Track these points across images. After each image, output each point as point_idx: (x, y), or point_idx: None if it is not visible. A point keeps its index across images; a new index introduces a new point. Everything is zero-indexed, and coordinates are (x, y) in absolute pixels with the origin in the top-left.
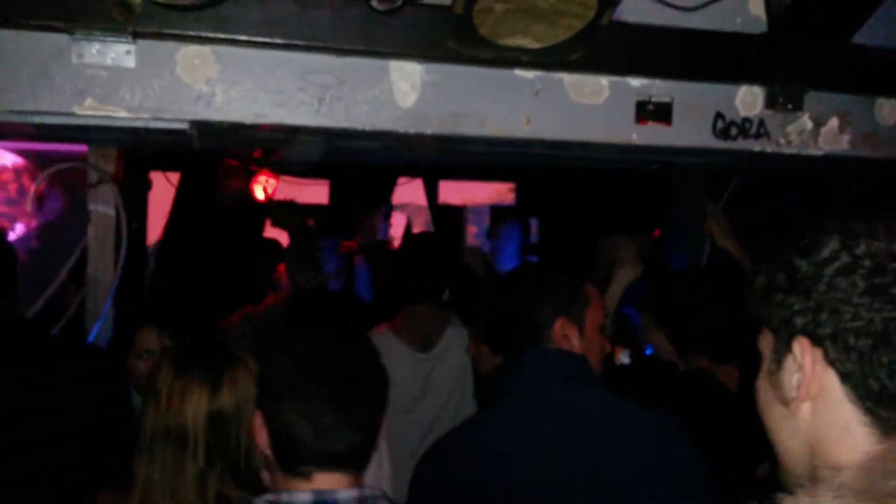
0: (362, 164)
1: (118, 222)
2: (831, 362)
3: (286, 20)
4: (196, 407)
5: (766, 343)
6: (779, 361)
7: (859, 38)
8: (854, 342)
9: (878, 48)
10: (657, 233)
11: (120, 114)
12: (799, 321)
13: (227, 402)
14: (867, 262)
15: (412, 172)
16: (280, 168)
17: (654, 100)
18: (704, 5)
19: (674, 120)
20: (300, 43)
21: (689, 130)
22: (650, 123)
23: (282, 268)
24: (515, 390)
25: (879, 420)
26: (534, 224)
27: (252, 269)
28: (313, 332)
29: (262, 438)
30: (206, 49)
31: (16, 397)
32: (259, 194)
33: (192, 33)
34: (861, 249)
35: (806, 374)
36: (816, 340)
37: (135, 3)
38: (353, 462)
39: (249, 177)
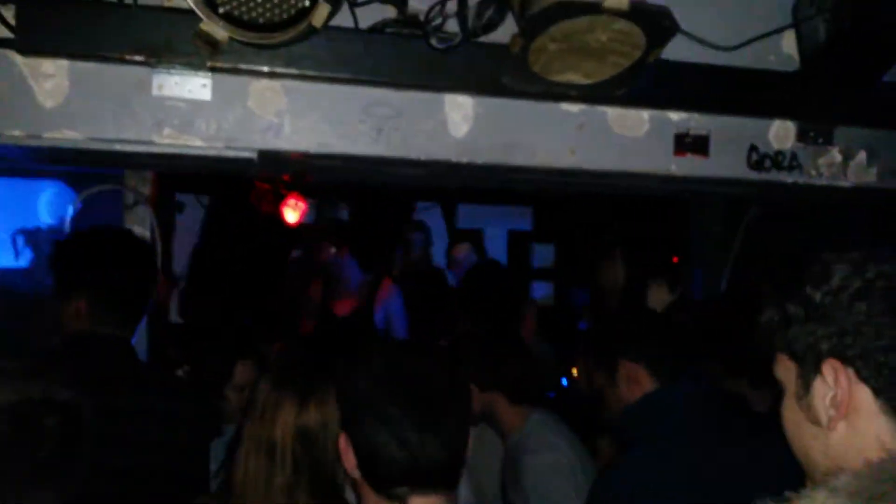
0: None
1: (153, 243)
2: (864, 379)
3: (351, 57)
4: (285, 421)
5: (785, 370)
6: (807, 386)
7: (887, 76)
8: (884, 359)
9: None
10: (675, 259)
11: (195, 143)
12: (825, 346)
13: (314, 418)
14: (880, 284)
15: (430, 196)
16: (304, 190)
17: (692, 133)
18: (741, 45)
19: (711, 152)
20: (363, 78)
21: (725, 162)
22: (688, 155)
23: (315, 288)
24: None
25: None
26: (550, 249)
27: (284, 292)
28: (391, 349)
29: (350, 460)
30: (276, 83)
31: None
32: (289, 217)
33: (265, 69)
34: (871, 273)
35: (842, 393)
36: (847, 361)
37: (221, 40)
38: (445, 481)
39: (279, 200)
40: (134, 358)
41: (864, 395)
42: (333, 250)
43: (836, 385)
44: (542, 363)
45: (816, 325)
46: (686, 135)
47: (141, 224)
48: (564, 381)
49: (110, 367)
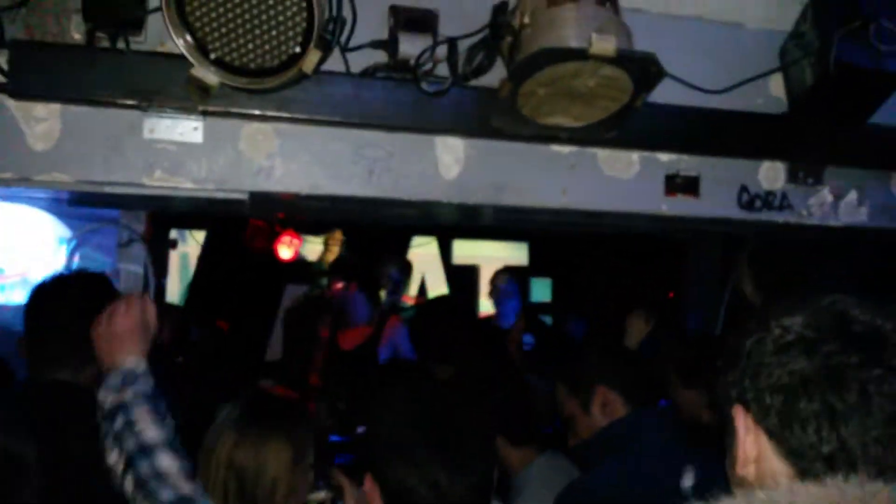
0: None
1: (146, 280)
2: (758, 423)
3: (342, 100)
4: (219, 454)
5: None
6: (730, 434)
7: (875, 117)
8: (770, 400)
9: (894, 127)
10: (671, 294)
11: (186, 185)
12: (733, 391)
13: (249, 457)
14: (776, 331)
15: (426, 232)
16: (299, 226)
17: (682, 173)
18: (729, 88)
19: (701, 192)
20: (354, 120)
21: (716, 202)
22: (679, 196)
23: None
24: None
25: (800, 472)
26: (547, 283)
27: (292, 328)
28: (416, 389)
29: (376, 501)
30: (268, 126)
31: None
32: (283, 254)
33: (256, 112)
34: (774, 323)
35: (740, 439)
36: (745, 405)
37: (212, 86)
38: None
39: (274, 237)
40: (89, 405)
41: (762, 440)
42: (342, 285)
43: (741, 429)
44: (538, 399)
45: (730, 371)
46: (676, 175)
47: (135, 261)
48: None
49: (61, 415)
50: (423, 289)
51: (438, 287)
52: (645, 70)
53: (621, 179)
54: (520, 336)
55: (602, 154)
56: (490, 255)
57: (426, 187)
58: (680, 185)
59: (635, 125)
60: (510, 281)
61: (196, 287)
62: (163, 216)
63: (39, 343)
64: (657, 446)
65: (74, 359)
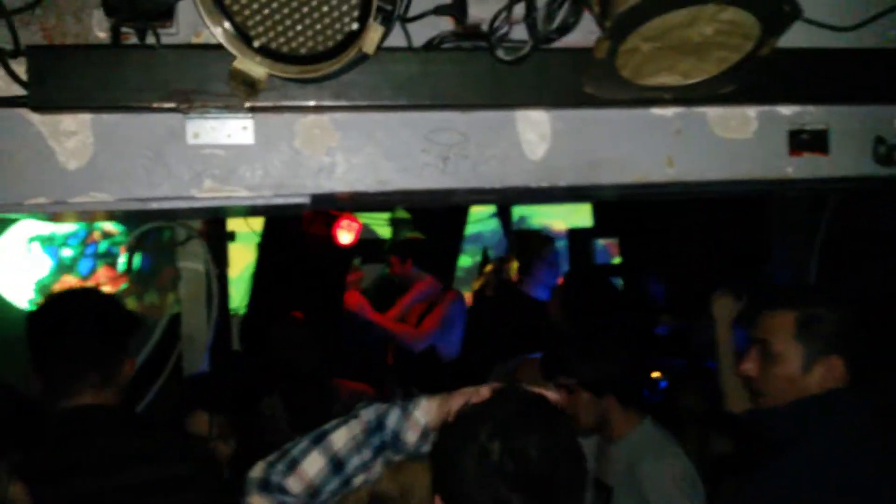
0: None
1: (208, 277)
2: None
3: (407, 80)
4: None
5: None
6: None
7: None
8: None
9: None
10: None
11: (240, 193)
12: None
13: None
14: None
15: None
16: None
17: (808, 128)
18: (860, 24)
19: (831, 148)
20: (423, 102)
21: (847, 158)
22: (805, 154)
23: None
24: None
25: None
26: (610, 245)
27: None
28: (498, 415)
29: None
30: (324, 118)
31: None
32: (343, 239)
33: (311, 103)
34: None
35: None
36: None
37: (259, 80)
38: None
39: (332, 222)
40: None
41: None
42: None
43: None
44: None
45: None
46: (802, 130)
47: (195, 258)
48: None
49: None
50: (485, 258)
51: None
52: (777, 9)
53: (737, 141)
54: (557, 311)
55: (713, 113)
56: (552, 218)
57: (509, 171)
58: (806, 141)
59: (750, 76)
60: (555, 252)
61: (259, 279)
62: None
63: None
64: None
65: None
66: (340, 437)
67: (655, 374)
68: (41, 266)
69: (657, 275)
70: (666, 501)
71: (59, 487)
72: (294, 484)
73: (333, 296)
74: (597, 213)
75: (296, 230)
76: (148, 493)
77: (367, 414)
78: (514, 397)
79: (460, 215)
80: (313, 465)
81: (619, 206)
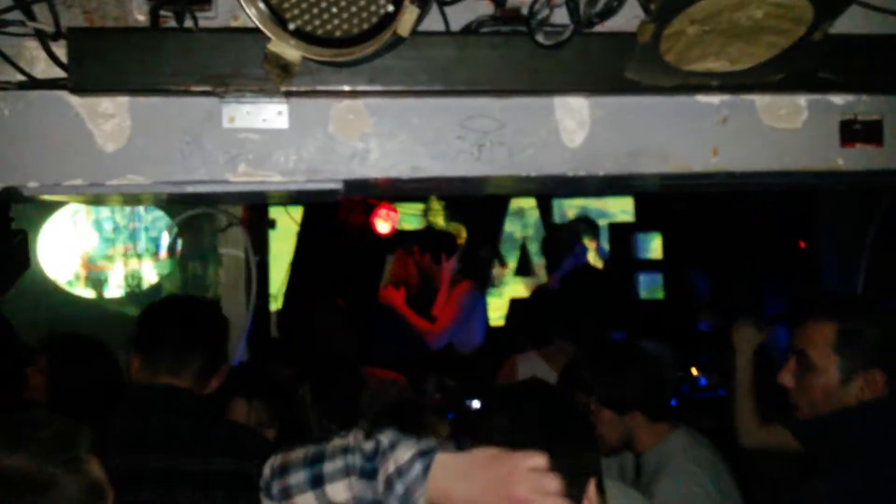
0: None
1: (248, 264)
2: None
3: (444, 65)
4: None
5: None
6: None
7: None
8: None
9: None
10: (801, 244)
11: (274, 178)
12: None
13: None
14: None
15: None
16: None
17: (860, 118)
18: None
19: (885, 139)
20: (459, 87)
21: None
22: (857, 145)
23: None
24: None
25: None
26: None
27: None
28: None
29: None
30: (359, 103)
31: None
32: (381, 228)
33: (346, 88)
34: None
35: None
36: None
37: (294, 62)
38: None
39: (370, 211)
40: (185, 411)
41: None
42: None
43: None
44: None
45: None
46: (854, 121)
47: (235, 245)
48: (685, 387)
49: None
50: (524, 252)
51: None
52: None
53: (786, 130)
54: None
55: (761, 101)
56: (594, 212)
57: (546, 159)
58: (859, 132)
59: (802, 62)
60: (583, 248)
61: (297, 267)
62: None
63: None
64: None
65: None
66: (339, 492)
67: (694, 372)
68: (87, 241)
69: (701, 271)
70: None
71: (128, 458)
72: None
73: (370, 285)
74: (638, 207)
75: (334, 219)
76: (208, 482)
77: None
78: None
79: (499, 207)
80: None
81: (662, 200)
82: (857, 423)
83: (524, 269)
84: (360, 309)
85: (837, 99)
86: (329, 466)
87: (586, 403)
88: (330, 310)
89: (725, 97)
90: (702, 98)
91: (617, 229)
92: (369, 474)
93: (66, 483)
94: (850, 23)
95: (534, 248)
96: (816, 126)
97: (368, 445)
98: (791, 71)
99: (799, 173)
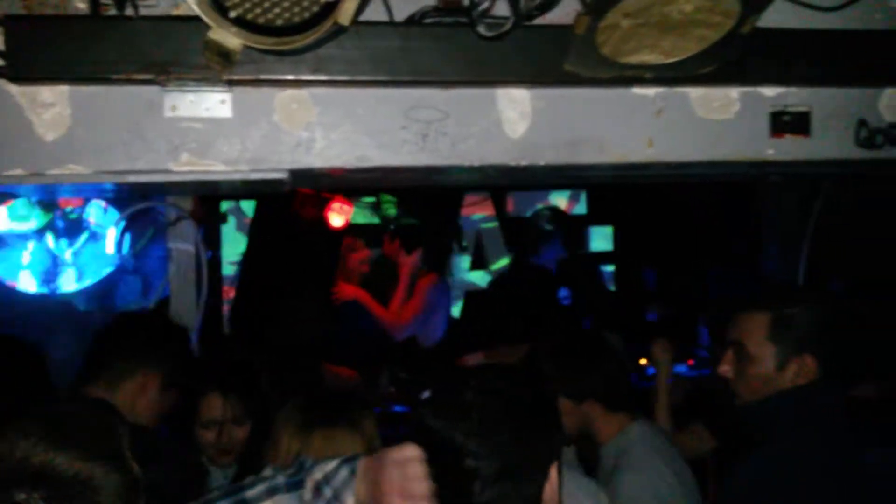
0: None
1: (198, 259)
2: None
3: (387, 55)
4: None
5: None
6: None
7: None
8: None
9: None
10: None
11: (218, 167)
12: None
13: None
14: None
15: (479, 188)
16: (349, 191)
17: (790, 109)
18: (843, 4)
19: (812, 130)
20: (403, 78)
21: (829, 141)
22: (787, 136)
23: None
24: None
25: None
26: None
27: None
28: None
29: None
30: (303, 92)
31: None
32: (335, 221)
33: (289, 77)
34: None
35: None
36: None
37: (234, 50)
38: None
39: (323, 204)
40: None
41: None
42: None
43: None
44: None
45: None
46: (783, 112)
47: (185, 239)
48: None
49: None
50: (480, 246)
51: (496, 243)
52: None
53: (718, 122)
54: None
55: (695, 93)
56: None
57: (489, 149)
58: (788, 123)
59: (733, 56)
60: (552, 240)
61: (249, 261)
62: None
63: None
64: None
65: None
66: None
67: (643, 362)
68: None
69: (650, 262)
70: None
71: None
72: None
73: (324, 279)
74: (591, 200)
75: (287, 213)
76: None
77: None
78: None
79: (453, 202)
80: None
81: (614, 193)
82: (791, 404)
83: (479, 263)
84: (317, 302)
85: (768, 91)
86: (250, 492)
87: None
88: (297, 299)
89: (660, 89)
90: (638, 90)
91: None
92: (295, 485)
93: (112, 481)
94: (780, 17)
95: (489, 242)
96: (748, 117)
97: (290, 468)
98: (722, 63)
99: (731, 163)
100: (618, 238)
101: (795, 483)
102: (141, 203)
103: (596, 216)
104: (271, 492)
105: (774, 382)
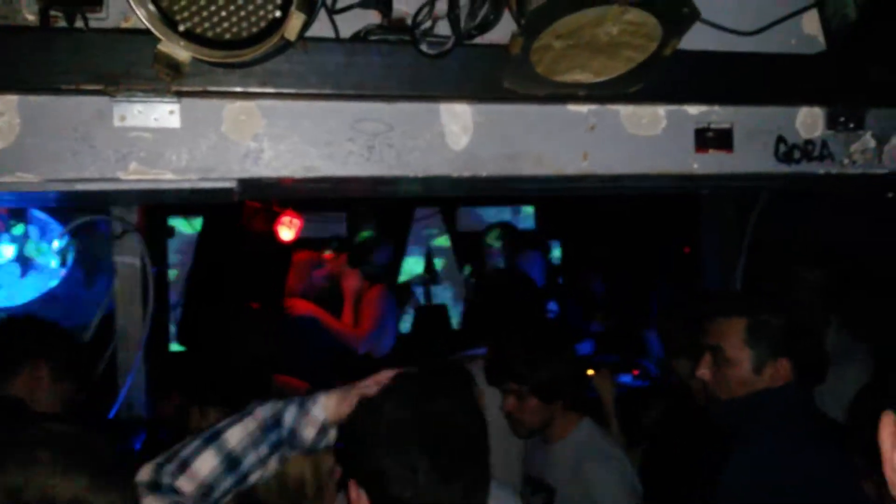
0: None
1: (144, 273)
2: None
3: (333, 70)
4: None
5: None
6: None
7: None
8: None
9: None
10: (686, 250)
11: (166, 176)
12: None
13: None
14: None
15: (430, 202)
16: (299, 204)
17: (713, 127)
18: (761, 29)
19: (735, 146)
20: (348, 92)
21: (750, 156)
22: (710, 151)
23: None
24: None
25: None
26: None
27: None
28: (414, 384)
29: None
30: (251, 104)
31: None
32: (284, 235)
33: (237, 89)
34: None
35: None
36: None
37: (183, 62)
38: None
39: (273, 218)
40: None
41: None
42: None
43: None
44: None
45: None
46: (707, 129)
47: (131, 253)
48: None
49: None
50: (430, 260)
51: (446, 257)
52: (676, 12)
53: (647, 137)
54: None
55: (625, 111)
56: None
57: (433, 161)
58: (711, 139)
59: (660, 76)
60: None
61: (196, 275)
62: (156, 205)
63: None
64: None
65: None
66: (235, 435)
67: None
68: None
69: (596, 275)
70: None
71: None
72: (185, 484)
73: (273, 293)
74: (539, 216)
75: (236, 226)
76: None
77: (264, 411)
78: (414, 373)
79: (404, 215)
80: (206, 464)
81: (562, 208)
82: (767, 404)
83: (430, 277)
84: (264, 316)
85: (692, 109)
86: (223, 424)
87: (516, 390)
88: (247, 315)
89: (593, 106)
90: (572, 107)
91: (518, 237)
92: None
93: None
94: (703, 41)
95: (438, 256)
96: (674, 134)
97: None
98: (648, 83)
99: (659, 176)
100: (566, 252)
101: (781, 482)
102: (86, 216)
103: (545, 231)
104: (241, 416)
105: (751, 385)
